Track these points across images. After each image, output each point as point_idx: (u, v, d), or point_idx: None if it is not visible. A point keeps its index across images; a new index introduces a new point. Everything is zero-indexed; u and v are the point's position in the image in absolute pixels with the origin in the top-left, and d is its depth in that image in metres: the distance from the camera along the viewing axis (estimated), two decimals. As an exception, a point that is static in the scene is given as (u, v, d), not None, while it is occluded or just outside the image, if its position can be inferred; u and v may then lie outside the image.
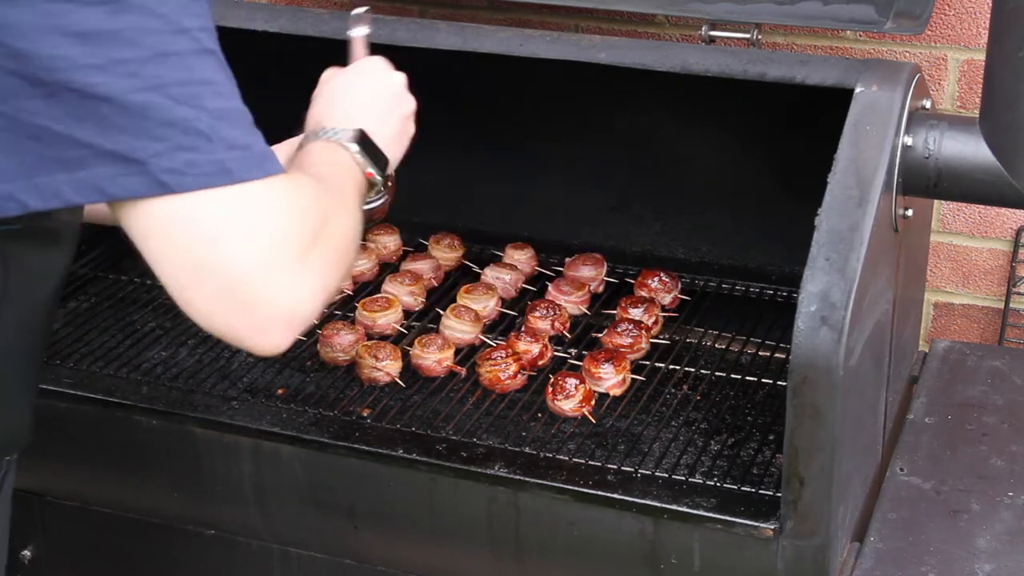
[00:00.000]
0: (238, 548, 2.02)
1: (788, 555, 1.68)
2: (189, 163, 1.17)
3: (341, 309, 2.22)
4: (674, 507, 1.72)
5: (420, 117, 1.65)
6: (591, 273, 2.27)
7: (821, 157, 1.69)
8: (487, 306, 2.17)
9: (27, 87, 1.16)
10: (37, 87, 1.16)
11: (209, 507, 1.98)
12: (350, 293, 2.25)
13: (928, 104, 1.83)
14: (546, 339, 2.08)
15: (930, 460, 1.93)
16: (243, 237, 1.19)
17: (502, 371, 1.98)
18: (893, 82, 1.74)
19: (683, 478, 1.78)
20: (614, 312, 2.16)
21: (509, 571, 1.85)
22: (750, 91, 1.85)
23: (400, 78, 1.70)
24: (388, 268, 2.34)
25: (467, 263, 2.36)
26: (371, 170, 1.50)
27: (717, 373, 2.04)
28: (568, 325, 2.14)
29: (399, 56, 1.64)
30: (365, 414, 1.94)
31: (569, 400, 1.92)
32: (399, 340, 2.11)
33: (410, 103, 1.69)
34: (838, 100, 1.75)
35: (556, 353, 2.09)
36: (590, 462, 1.81)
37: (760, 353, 2.09)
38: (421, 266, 2.31)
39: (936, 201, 2.31)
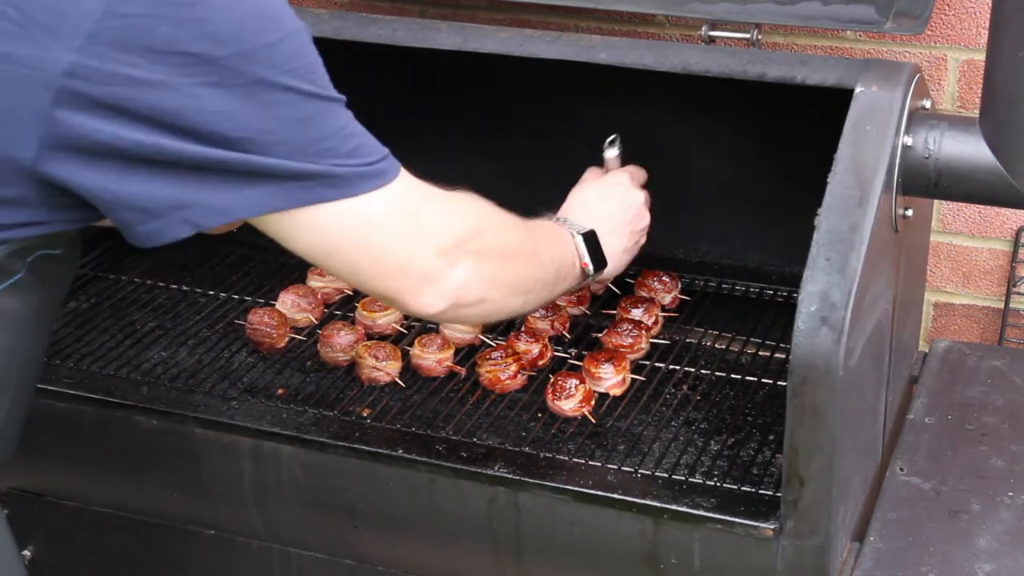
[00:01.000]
0: (238, 548, 2.02)
1: (788, 555, 1.68)
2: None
3: (341, 309, 2.22)
4: (674, 507, 1.72)
5: (420, 117, 1.65)
6: (591, 273, 2.27)
7: (821, 157, 1.69)
8: (487, 306, 2.17)
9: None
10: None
11: (209, 507, 1.98)
12: (350, 293, 2.25)
13: (928, 104, 1.83)
14: (546, 339, 2.08)
15: (930, 460, 1.93)
16: (407, 227, 1.46)
17: (502, 371, 1.98)
18: (893, 82, 1.74)
19: (683, 478, 1.78)
20: (614, 312, 2.16)
21: (509, 571, 1.85)
22: (750, 91, 1.85)
23: (642, 196, 1.98)
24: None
25: (467, 263, 2.35)
26: (587, 261, 1.80)
27: (717, 373, 2.04)
28: (568, 325, 2.14)
29: (399, 56, 1.64)
30: (365, 414, 1.94)
31: (569, 400, 1.92)
32: (399, 340, 2.11)
33: (645, 219, 1.99)
34: (838, 100, 1.75)
35: (556, 353, 2.08)
36: (590, 462, 1.81)
37: (760, 353, 2.09)
38: (421, 266, 2.30)
39: (936, 201, 2.30)
